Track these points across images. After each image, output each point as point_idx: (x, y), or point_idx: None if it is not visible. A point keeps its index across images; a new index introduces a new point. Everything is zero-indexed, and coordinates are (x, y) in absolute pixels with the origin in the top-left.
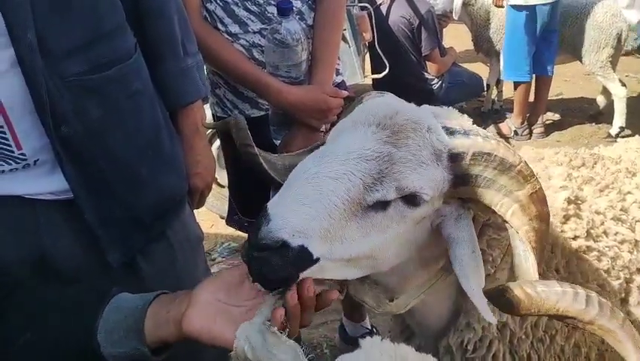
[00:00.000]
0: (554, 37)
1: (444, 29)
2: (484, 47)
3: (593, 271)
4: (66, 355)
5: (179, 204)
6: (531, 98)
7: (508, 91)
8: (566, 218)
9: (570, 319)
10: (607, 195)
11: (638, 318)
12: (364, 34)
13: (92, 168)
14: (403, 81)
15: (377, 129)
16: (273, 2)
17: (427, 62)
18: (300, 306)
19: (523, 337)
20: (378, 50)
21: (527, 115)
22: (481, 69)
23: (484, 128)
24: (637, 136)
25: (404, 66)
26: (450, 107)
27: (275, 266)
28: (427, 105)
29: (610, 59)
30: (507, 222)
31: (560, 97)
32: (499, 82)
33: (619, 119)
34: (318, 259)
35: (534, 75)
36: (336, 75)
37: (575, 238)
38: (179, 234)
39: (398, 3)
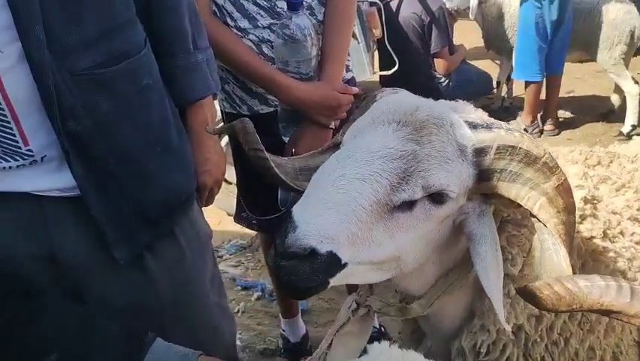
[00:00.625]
0: (564, 35)
1: (454, 25)
2: (494, 45)
3: (610, 272)
4: None
5: (187, 202)
6: (542, 97)
7: (518, 88)
8: (582, 218)
9: (615, 313)
10: (623, 195)
11: None
12: (374, 30)
13: (100, 164)
14: (410, 78)
15: (398, 127)
16: None
17: (435, 60)
18: None
19: (538, 340)
20: (388, 47)
21: (539, 113)
22: (491, 67)
23: None
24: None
25: (412, 63)
26: (465, 102)
27: (304, 274)
28: (445, 100)
29: (623, 57)
30: (535, 216)
31: (571, 95)
32: (509, 79)
33: (631, 117)
34: (346, 264)
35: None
36: (346, 72)
37: (592, 238)
38: (187, 231)
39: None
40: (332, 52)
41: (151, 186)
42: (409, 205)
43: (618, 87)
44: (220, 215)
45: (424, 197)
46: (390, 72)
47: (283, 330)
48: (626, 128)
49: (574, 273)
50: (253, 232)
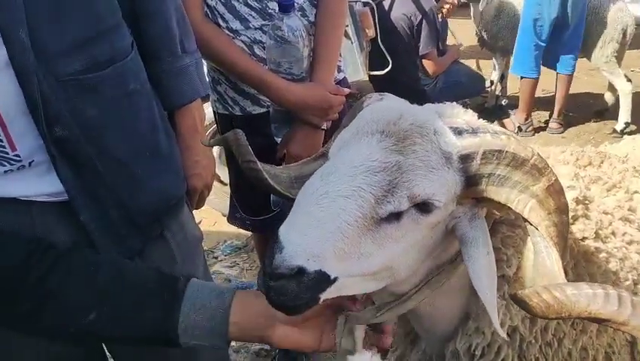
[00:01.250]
0: (576, 34)
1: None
2: (488, 43)
3: (602, 273)
4: (137, 338)
5: (176, 205)
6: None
7: (513, 86)
8: (575, 219)
9: (605, 321)
10: (614, 195)
11: None
12: (367, 30)
13: (88, 169)
14: (397, 80)
15: (382, 137)
16: None
17: (423, 61)
18: None
19: (533, 341)
20: (381, 47)
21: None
22: (485, 65)
23: None
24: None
25: (400, 64)
26: (453, 103)
27: (293, 293)
28: (431, 104)
29: (615, 54)
30: (526, 219)
31: None
32: (503, 78)
33: (624, 114)
34: (336, 279)
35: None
36: (338, 72)
37: (584, 239)
38: (177, 235)
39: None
40: (324, 53)
41: (140, 191)
42: (396, 216)
43: (612, 85)
44: (215, 216)
45: (410, 207)
46: (383, 72)
47: None
48: (619, 125)
49: (566, 274)
50: (248, 233)
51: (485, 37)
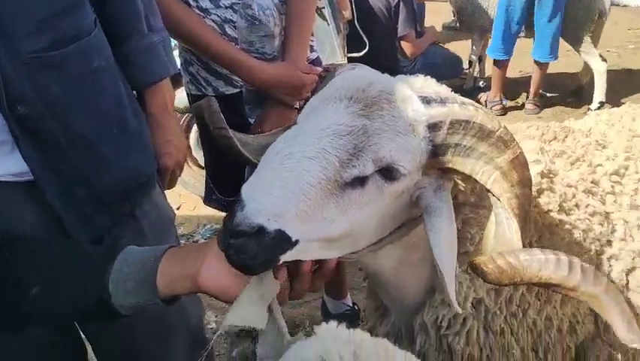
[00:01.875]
0: (555, 23)
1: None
2: (466, 23)
3: (565, 244)
4: (76, 309)
5: (147, 184)
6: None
7: (490, 69)
8: (539, 192)
9: (555, 286)
10: (578, 168)
11: None
12: (344, 12)
13: (52, 145)
14: (375, 62)
15: (350, 103)
16: None
17: (401, 43)
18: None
19: (498, 312)
20: (358, 28)
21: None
22: (463, 46)
23: None
24: (607, 108)
25: (377, 46)
26: (428, 77)
27: (253, 252)
28: (403, 75)
29: (590, 35)
30: (489, 190)
31: None
32: (480, 60)
33: (599, 94)
34: (297, 241)
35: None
36: (311, 52)
37: (548, 211)
38: (149, 214)
39: None
40: (295, 32)
41: (107, 169)
42: (360, 182)
43: (586, 64)
44: (195, 200)
45: (374, 173)
46: (360, 54)
47: None
48: (594, 105)
49: (530, 246)
50: (225, 214)
51: (462, 17)
